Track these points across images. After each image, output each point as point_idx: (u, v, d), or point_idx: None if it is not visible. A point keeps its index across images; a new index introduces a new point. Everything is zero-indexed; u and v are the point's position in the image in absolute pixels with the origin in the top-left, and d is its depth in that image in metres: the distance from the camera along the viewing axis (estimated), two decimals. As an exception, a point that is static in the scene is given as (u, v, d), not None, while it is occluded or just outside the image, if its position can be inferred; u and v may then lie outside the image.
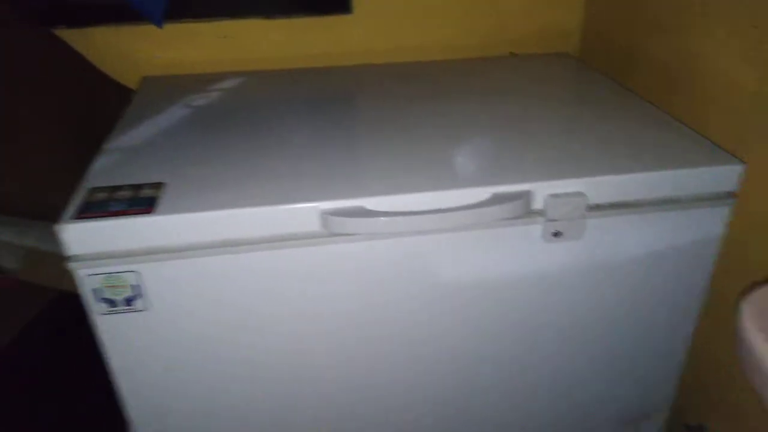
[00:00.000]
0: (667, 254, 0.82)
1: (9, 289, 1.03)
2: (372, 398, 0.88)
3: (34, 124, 0.91)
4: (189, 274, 0.71)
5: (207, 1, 1.14)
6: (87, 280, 0.68)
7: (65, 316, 0.97)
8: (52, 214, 0.67)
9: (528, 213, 0.74)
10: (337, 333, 0.80)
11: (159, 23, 1.06)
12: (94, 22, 1.10)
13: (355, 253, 0.74)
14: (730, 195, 0.80)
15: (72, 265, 0.67)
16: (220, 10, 1.15)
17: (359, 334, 0.80)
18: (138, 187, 0.72)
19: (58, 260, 0.69)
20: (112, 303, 0.70)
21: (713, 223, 0.81)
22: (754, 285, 0.64)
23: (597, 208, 0.76)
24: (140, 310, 0.71)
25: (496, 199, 0.72)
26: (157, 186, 0.72)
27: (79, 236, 0.67)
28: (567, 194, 0.74)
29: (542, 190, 0.74)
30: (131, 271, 0.69)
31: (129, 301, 0.70)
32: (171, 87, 1.06)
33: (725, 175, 0.78)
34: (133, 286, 0.69)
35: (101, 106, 1.05)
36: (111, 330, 0.72)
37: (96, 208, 0.68)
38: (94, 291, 0.69)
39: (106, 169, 0.77)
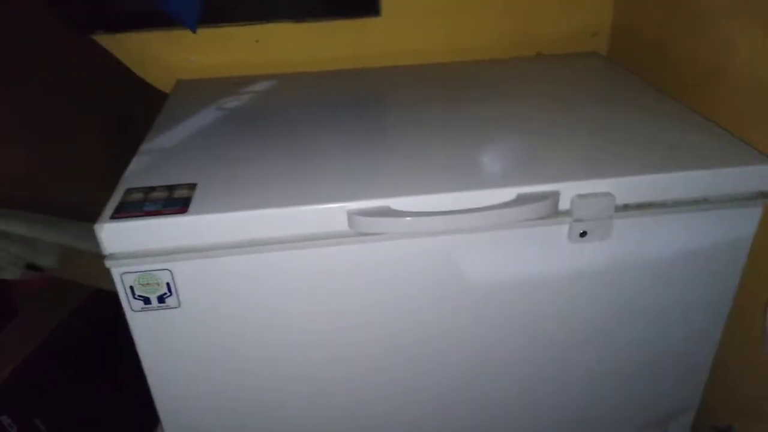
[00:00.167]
0: (697, 255, 0.81)
1: (47, 286, 1.07)
2: (398, 396, 0.88)
3: (73, 126, 0.94)
4: (219, 273, 0.72)
5: (240, 6, 1.17)
6: (122, 278, 0.70)
7: (100, 313, 1.00)
8: (89, 214, 0.69)
9: (555, 213, 0.74)
10: (362, 331, 0.80)
11: (193, 28, 1.09)
12: (131, 28, 1.14)
13: (381, 253, 0.74)
14: (762, 195, 0.78)
15: (108, 263, 0.69)
16: (252, 14, 1.17)
17: (385, 332, 0.81)
18: (172, 188, 0.74)
19: (94, 259, 0.71)
20: (146, 300, 0.72)
21: (745, 223, 0.80)
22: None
23: (625, 208, 0.75)
24: (172, 308, 0.73)
25: (523, 200, 0.72)
26: (191, 187, 0.74)
27: (116, 235, 0.68)
28: (594, 194, 0.74)
29: (569, 191, 0.74)
30: (165, 270, 0.70)
31: (162, 299, 0.72)
32: (204, 90, 1.08)
33: (757, 175, 0.77)
34: (166, 284, 0.71)
35: (137, 109, 1.08)
36: (144, 327, 0.74)
37: (132, 208, 0.70)
38: (129, 289, 0.71)
39: (141, 171, 0.79)
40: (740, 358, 0.95)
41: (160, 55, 1.17)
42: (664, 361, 0.92)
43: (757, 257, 0.84)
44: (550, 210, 0.73)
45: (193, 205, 0.70)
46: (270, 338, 0.78)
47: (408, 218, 0.70)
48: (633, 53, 1.20)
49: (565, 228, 0.76)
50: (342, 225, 0.71)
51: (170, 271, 0.71)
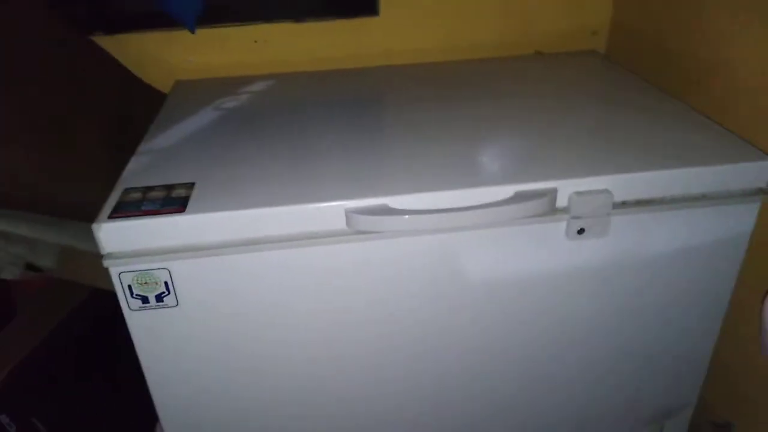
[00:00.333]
0: (695, 251, 0.81)
1: (46, 287, 1.07)
2: (397, 394, 0.89)
3: (73, 126, 0.94)
4: (217, 272, 0.72)
5: (238, 6, 1.17)
6: (120, 277, 0.70)
7: (99, 313, 1.00)
8: (89, 214, 0.70)
9: (553, 210, 0.74)
10: (362, 329, 0.81)
11: (192, 28, 1.09)
12: (130, 29, 1.14)
13: (379, 251, 0.75)
14: (760, 192, 0.78)
15: (106, 263, 0.69)
16: (251, 15, 1.17)
17: (384, 330, 0.81)
18: (170, 187, 0.74)
19: (93, 258, 0.71)
20: (144, 300, 0.72)
21: (742, 220, 0.80)
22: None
23: (622, 205, 0.76)
24: (170, 307, 0.73)
25: (521, 197, 0.72)
26: (189, 186, 0.74)
27: (114, 235, 0.69)
28: (592, 192, 0.74)
29: (567, 188, 0.74)
30: (163, 269, 0.71)
31: (160, 298, 0.72)
32: (202, 90, 1.08)
33: (755, 172, 0.77)
34: (164, 283, 0.71)
35: (137, 109, 1.08)
36: (142, 326, 0.74)
37: (130, 208, 0.70)
38: (128, 288, 0.71)
39: (139, 170, 0.79)
40: (739, 355, 0.95)
41: (159, 55, 1.17)
42: (663, 358, 0.92)
43: (755, 254, 0.84)
44: (548, 207, 0.73)
45: (190, 205, 0.70)
46: (268, 336, 0.79)
47: (406, 216, 0.71)
48: (632, 51, 1.20)
49: (563, 225, 0.76)
50: (340, 224, 0.71)
51: (168, 270, 0.71)
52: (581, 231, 0.75)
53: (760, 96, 0.84)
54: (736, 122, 0.87)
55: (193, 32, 1.10)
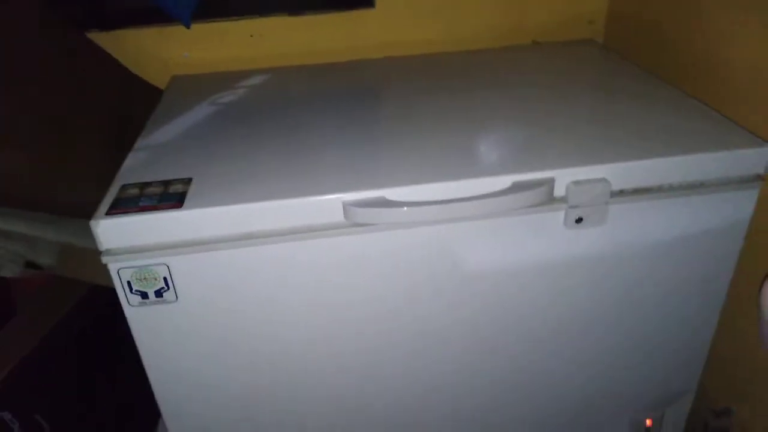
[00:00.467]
0: (693, 239, 0.81)
1: (46, 284, 1.07)
2: (397, 387, 0.89)
3: (73, 126, 0.94)
4: (216, 266, 0.72)
5: (233, 0, 1.17)
6: (119, 273, 0.70)
7: (101, 309, 1.00)
8: (89, 214, 0.70)
9: (550, 200, 0.74)
10: (361, 322, 0.81)
11: (187, 24, 1.08)
12: (125, 25, 1.13)
13: (377, 244, 0.75)
14: (758, 178, 0.78)
15: (105, 259, 0.70)
16: (247, 8, 1.17)
17: (383, 322, 0.81)
18: (167, 183, 0.74)
19: (92, 255, 0.72)
20: (143, 295, 0.72)
21: (741, 206, 0.80)
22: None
23: (620, 193, 0.76)
24: (170, 302, 0.73)
25: (518, 187, 0.72)
26: (186, 181, 0.74)
27: (112, 231, 0.69)
28: (589, 180, 0.74)
29: (564, 177, 0.74)
30: (162, 264, 0.71)
31: (159, 294, 0.72)
32: (199, 85, 1.08)
33: (753, 158, 0.77)
34: (163, 279, 0.71)
35: (137, 108, 1.08)
36: (142, 322, 0.75)
37: (127, 204, 0.70)
38: (127, 284, 0.71)
39: (136, 167, 0.79)
40: (737, 342, 0.96)
41: (155, 51, 1.17)
42: (662, 346, 0.92)
43: (754, 240, 0.84)
44: (546, 197, 0.73)
45: (188, 200, 0.70)
46: (268, 330, 0.79)
47: (404, 208, 0.71)
48: (629, 40, 1.20)
49: (561, 214, 0.76)
50: (338, 216, 0.71)
51: (167, 265, 0.71)
52: (579, 220, 0.76)
53: (759, 83, 0.84)
54: (733, 109, 0.87)
55: (188, 27, 1.09)
